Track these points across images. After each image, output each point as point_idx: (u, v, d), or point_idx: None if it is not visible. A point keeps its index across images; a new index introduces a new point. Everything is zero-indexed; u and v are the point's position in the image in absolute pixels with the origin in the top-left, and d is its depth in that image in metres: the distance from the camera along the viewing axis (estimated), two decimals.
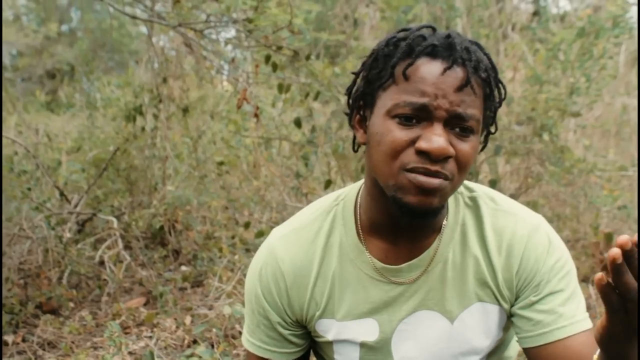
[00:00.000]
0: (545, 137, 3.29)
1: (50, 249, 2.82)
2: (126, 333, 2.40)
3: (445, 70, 0.87)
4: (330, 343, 1.07)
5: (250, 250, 3.20)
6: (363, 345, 1.05)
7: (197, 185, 3.74)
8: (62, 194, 3.39)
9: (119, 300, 2.73)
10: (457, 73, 0.87)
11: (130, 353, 2.14)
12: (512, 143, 3.33)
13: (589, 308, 1.00)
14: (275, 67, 2.84)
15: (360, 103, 0.97)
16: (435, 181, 0.87)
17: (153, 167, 3.76)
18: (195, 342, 2.27)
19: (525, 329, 0.99)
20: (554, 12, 5.27)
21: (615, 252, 0.67)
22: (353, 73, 1.01)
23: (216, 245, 3.29)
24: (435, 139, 0.86)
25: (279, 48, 2.77)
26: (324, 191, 3.15)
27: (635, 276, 0.69)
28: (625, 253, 0.67)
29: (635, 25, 3.42)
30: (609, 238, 3.10)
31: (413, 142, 0.87)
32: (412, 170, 0.87)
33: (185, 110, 3.73)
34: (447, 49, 0.88)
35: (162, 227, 3.40)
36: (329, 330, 1.05)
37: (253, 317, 1.08)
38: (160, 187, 3.66)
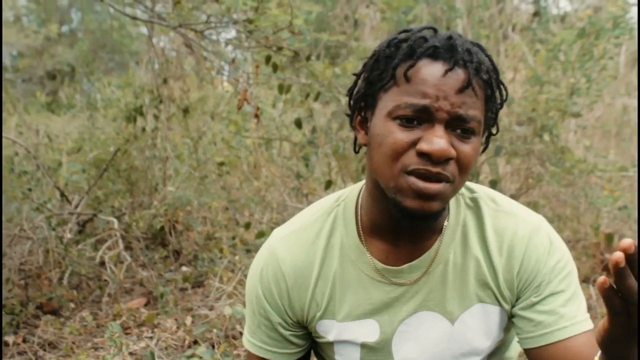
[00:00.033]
0: (546, 137, 3.29)
1: (50, 249, 2.82)
2: (127, 333, 2.40)
3: (446, 71, 0.87)
4: (331, 344, 1.07)
5: (250, 250, 3.21)
6: (364, 346, 1.05)
7: (197, 185, 3.75)
8: (62, 194, 3.40)
9: (119, 301, 2.74)
10: (459, 75, 0.87)
11: (130, 353, 2.14)
12: (513, 144, 3.33)
13: (589, 308, 1.00)
14: (275, 67, 2.84)
15: (362, 104, 0.97)
16: (434, 187, 0.87)
17: (153, 168, 3.76)
18: (195, 342, 2.27)
19: (526, 330, 0.99)
20: (554, 12, 5.27)
21: (618, 255, 0.67)
22: (354, 74, 1.01)
23: (217, 245, 3.29)
24: (437, 140, 0.86)
25: (280, 49, 2.77)
26: (325, 192, 3.15)
27: (637, 279, 0.69)
28: (628, 257, 0.67)
29: (636, 26, 3.42)
30: (609, 239, 3.10)
31: (414, 143, 0.87)
32: (413, 172, 0.87)
33: (186, 111, 3.73)
34: (449, 51, 0.88)
35: (162, 228, 3.40)
36: (329, 331, 1.05)
37: (254, 317, 1.08)
38: (161, 188, 3.66)
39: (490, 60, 0.93)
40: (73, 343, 2.34)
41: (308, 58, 2.86)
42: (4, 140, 3.57)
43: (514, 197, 3.32)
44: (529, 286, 0.99)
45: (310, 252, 1.03)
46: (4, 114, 5.13)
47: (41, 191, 3.48)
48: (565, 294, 0.98)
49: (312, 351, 1.17)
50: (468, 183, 1.05)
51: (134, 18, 3.04)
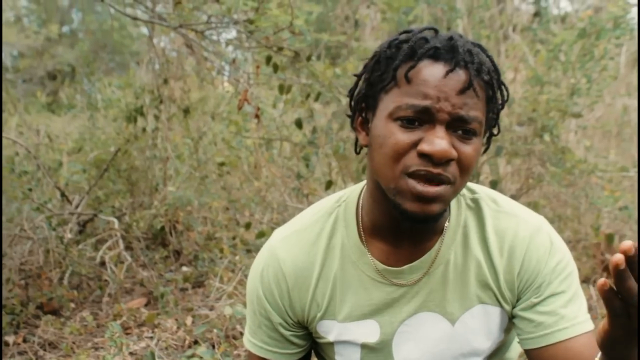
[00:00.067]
0: (546, 138, 3.29)
1: (51, 249, 2.82)
2: (127, 333, 2.40)
3: (447, 72, 0.87)
4: (332, 344, 1.07)
5: (251, 250, 3.21)
6: (364, 347, 1.05)
7: (198, 186, 3.75)
8: (63, 194, 3.40)
9: (119, 301, 2.74)
10: (460, 75, 0.87)
11: (131, 353, 2.14)
12: (513, 144, 3.33)
13: (590, 309, 1.00)
14: (276, 68, 2.84)
15: (362, 105, 0.97)
16: (433, 189, 0.87)
17: (154, 168, 3.76)
18: (196, 342, 2.27)
19: (526, 331, 0.99)
20: (554, 13, 5.27)
21: (618, 257, 0.67)
22: (355, 75, 1.01)
23: (217, 245, 3.29)
24: (438, 141, 0.86)
25: (280, 49, 2.77)
26: (325, 192, 3.15)
27: (637, 281, 0.69)
28: (628, 258, 0.67)
29: (636, 26, 3.42)
30: (610, 239, 3.10)
31: (415, 144, 0.87)
32: (414, 174, 0.87)
33: (186, 111, 3.74)
34: (450, 52, 0.88)
35: (163, 228, 3.40)
36: (330, 331, 1.05)
37: (254, 318, 1.08)
38: (161, 188, 3.66)
39: (492, 61, 0.93)
40: (73, 343, 2.34)
41: (309, 58, 2.87)
42: (4, 141, 3.57)
43: (514, 197, 3.32)
44: (529, 287, 0.99)
45: (311, 252, 1.03)
46: (4, 114, 5.13)
47: (42, 191, 3.48)
48: (566, 294, 0.98)
49: (312, 351, 1.17)
50: (469, 184, 1.05)
51: (135, 18, 3.04)
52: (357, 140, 1.00)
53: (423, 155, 0.86)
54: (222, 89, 4.58)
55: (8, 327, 2.43)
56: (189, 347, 2.25)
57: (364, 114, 0.97)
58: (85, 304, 2.78)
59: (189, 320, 2.43)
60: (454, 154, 0.87)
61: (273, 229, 3.13)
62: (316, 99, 2.99)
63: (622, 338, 0.75)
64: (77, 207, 3.37)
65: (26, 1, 12.85)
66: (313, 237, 1.04)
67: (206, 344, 2.22)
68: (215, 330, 2.27)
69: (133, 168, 3.72)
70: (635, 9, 3.65)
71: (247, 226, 3.40)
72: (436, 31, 0.94)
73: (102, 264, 3.02)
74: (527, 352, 1.01)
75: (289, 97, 3.17)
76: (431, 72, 0.87)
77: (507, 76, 3.66)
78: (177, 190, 3.55)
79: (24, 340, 2.38)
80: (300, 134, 3.46)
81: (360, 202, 1.04)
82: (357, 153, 1.03)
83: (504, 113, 3.26)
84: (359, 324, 1.03)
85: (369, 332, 1.03)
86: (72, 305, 2.71)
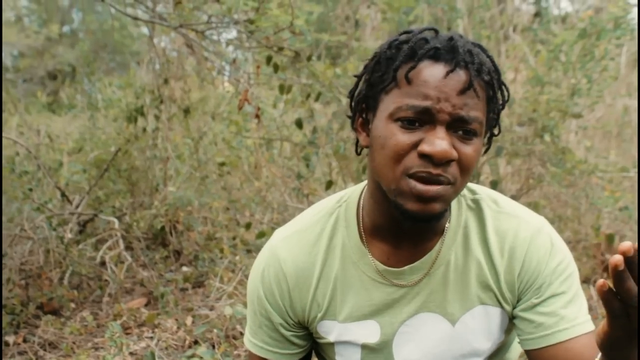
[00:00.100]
0: (547, 138, 3.29)
1: (51, 249, 2.82)
2: (127, 333, 2.40)
3: (448, 73, 0.86)
4: (332, 344, 1.07)
5: (251, 251, 3.21)
6: (364, 347, 1.05)
7: (198, 186, 3.75)
8: (63, 194, 3.40)
9: (120, 301, 2.74)
10: (460, 76, 0.87)
11: (131, 353, 2.14)
12: (514, 144, 3.33)
13: (590, 309, 1.00)
14: (276, 68, 2.84)
15: (363, 106, 0.97)
16: (433, 189, 0.87)
17: (154, 168, 3.76)
18: (196, 342, 2.27)
19: (526, 331, 0.99)
20: (555, 13, 5.26)
21: (617, 258, 0.67)
22: (355, 76, 1.01)
23: (217, 246, 3.29)
24: (438, 142, 0.85)
25: (280, 49, 2.77)
26: (325, 192, 3.15)
27: (636, 282, 0.69)
28: (627, 259, 0.67)
29: (637, 27, 3.42)
30: (610, 239, 3.10)
31: (416, 145, 0.87)
32: (414, 175, 0.87)
33: (187, 111, 3.74)
34: (450, 52, 0.88)
35: (163, 228, 3.40)
36: (330, 331, 1.05)
37: (255, 318, 1.08)
38: (162, 188, 3.66)
39: (492, 61, 0.93)
40: (73, 343, 2.34)
41: (309, 58, 2.87)
42: (5, 141, 3.58)
43: (514, 197, 3.32)
44: (530, 287, 0.99)
45: (311, 253, 1.03)
46: (5, 114, 5.13)
47: (42, 191, 3.48)
48: (566, 295, 0.98)
49: (313, 352, 1.17)
50: (470, 184, 1.05)
51: (135, 18, 3.04)
52: (357, 141, 1.00)
53: (423, 156, 0.86)
54: (222, 89, 4.58)
55: (8, 327, 2.43)
56: (189, 347, 2.25)
57: (364, 115, 0.97)
58: (85, 304, 2.79)
59: (189, 321, 2.43)
60: (455, 154, 0.87)
61: (273, 229, 3.13)
62: (316, 99, 2.99)
63: (622, 339, 0.75)
64: (77, 207, 3.37)
65: (27, 1, 12.85)
66: (314, 238, 1.04)
67: (206, 344, 2.22)
68: (215, 331, 2.27)
69: (133, 168, 3.72)
70: (636, 10, 3.65)
71: (248, 226, 3.40)
72: (436, 31, 0.94)
73: (103, 264, 3.02)
74: (528, 352, 1.01)
75: (289, 97, 3.17)
76: (431, 72, 0.87)
77: (507, 76, 3.66)
78: (177, 190, 3.55)
79: (24, 340, 2.39)
80: (300, 134, 3.46)
81: (361, 202, 1.04)
82: (358, 154, 1.03)
83: (504, 113, 3.26)
84: (359, 324, 1.03)
85: (369, 332, 1.03)
86: (73, 305, 2.71)
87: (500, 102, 0.96)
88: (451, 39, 0.89)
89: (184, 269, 3.21)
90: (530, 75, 3.48)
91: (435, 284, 1.01)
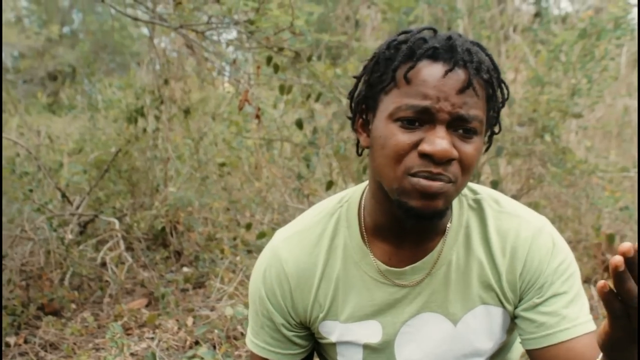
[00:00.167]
0: (547, 138, 3.29)
1: (52, 250, 2.82)
2: (128, 334, 2.40)
3: (446, 72, 0.87)
4: (334, 344, 1.07)
5: (252, 251, 3.21)
6: (366, 347, 1.05)
7: (198, 186, 3.75)
8: (63, 195, 3.40)
9: (120, 302, 2.74)
10: (459, 75, 0.87)
11: (132, 354, 2.14)
12: (514, 144, 3.33)
13: (591, 309, 1.00)
14: (276, 68, 2.84)
15: (363, 107, 0.97)
16: (436, 184, 0.87)
17: (154, 169, 3.76)
18: (197, 343, 2.27)
19: (528, 331, 0.99)
20: (555, 13, 5.26)
21: (618, 259, 0.67)
22: (354, 77, 1.01)
23: (218, 246, 3.29)
24: (438, 141, 0.86)
25: (281, 49, 2.77)
26: (326, 192, 3.15)
27: (637, 283, 0.69)
28: (628, 260, 0.67)
29: (637, 27, 3.41)
30: (610, 239, 3.10)
31: (416, 145, 0.87)
32: (416, 174, 0.87)
33: (187, 112, 3.74)
34: (448, 51, 0.88)
35: (163, 229, 3.40)
36: (332, 332, 1.05)
37: (257, 318, 1.09)
38: (162, 189, 3.66)
39: (491, 59, 0.93)
40: (74, 344, 2.34)
41: (309, 59, 2.87)
42: (5, 141, 3.58)
43: (515, 197, 3.31)
44: (531, 287, 0.99)
45: (313, 253, 1.03)
46: (5, 115, 5.14)
47: (42, 192, 3.49)
48: (568, 295, 0.98)
49: (314, 352, 1.17)
50: (471, 184, 1.05)
51: (135, 19, 3.04)
52: (358, 141, 1.00)
53: (424, 156, 0.86)
54: (222, 90, 4.58)
55: (9, 328, 2.43)
56: (190, 347, 2.25)
57: (364, 116, 0.97)
58: (86, 304, 2.79)
59: (189, 321, 2.43)
60: (455, 153, 0.87)
61: (274, 229, 3.13)
62: (317, 100, 2.99)
63: (623, 340, 0.75)
64: (77, 208, 3.37)
65: (27, 2, 12.86)
66: (315, 238, 1.04)
67: (207, 345, 2.22)
68: (216, 331, 2.27)
69: (134, 169, 3.72)
70: (636, 10, 3.64)
71: (248, 227, 3.40)
72: (435, 31, 0.94)
73: (103, 264, 3.02)
74: (529, 352, 1.01)
75: (289, 98, 3.17)
76: (430, 72, 0.87)
77: (507, 77, 3.66)
78: (177, 190, 3.55)
79: (25, 341, 2.39)
80: (300, 135, 3.46)
81: (363, 202, 1.04)
82: (359, 154, 1.03)
83: (504, 113, 3.26)
84: (361, 324, 1.03)
85: (371, 332, 1.03)
86: (73, 306, 2.71)
87: (500, 100, 0.96)
88: (449, 38, 0.90)
89: (185, 269, 3.21)
90: (530, 75, 3.48)
91: (437, 283, 1.01)
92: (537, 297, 0.99)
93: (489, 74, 0.91)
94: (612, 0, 3.61)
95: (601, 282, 0.70)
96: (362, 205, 1.03)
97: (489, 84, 0.91)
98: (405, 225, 0.96)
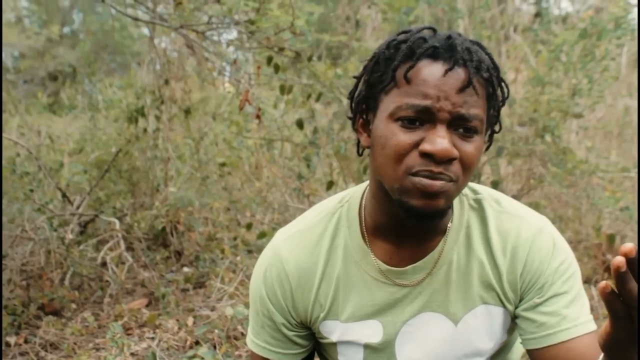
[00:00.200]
0: (548, 138, 3.29)
1: (52, 250, 2.82)
2: (128, 334, 2.40)
3: (446, 71, 0.86)
4: (335, 344, 1.07)
5: (252, 251, 3.21)
6: (367, 347, 1.05)
7: (199, 186, 3.75)
8: (64, 195, 3.40)
9: (121, 302, 2.74)
10: (459, 74, 0.87)
11: (132, 354, 2.14)
12: (515, 144, 3.33)
13: (591, 310, 1.00)
14: (277, 68, 2.84)
15: (363, 107, 0.97)
16: (437, 184, 0.87)
17: (155, 169, 3.76)
18: (197, 343, 2.27)
19: (528, 331, 0.99)
20: (555, 13, 5.26)
21: (619, 260, 0.66)
22: (355, 77, 1.01)
23: (218, 246, 3.29)
24: (439, 141, 0.86)
25: (281, 49, 2.77)
26: (326, 192, 3.15)
27: (638, 283, 0.69)
28: (629, 260, 0.67)
29: (637, 27, 3.41)
30: (611, 239, 3.10)
31: (417, 144, 0.87)
32: (417, 174, 0.87)
33: (187, 112, 3.74)
34: (448, 50, 0.88)
35: (164, 229, 3.40)
36: (333, 331, 1.05)
37: (257, 318, 1.09)
38: (162, 189, 3.66)
39: (491, 58, 0.93)
40: (75, 344, 2.34)
41: (310, 59, 2.87)
42: (5, 142, 3.58)
43: (515, 197, 3.31)
44: (532, 287, 0.99)
45: (314, 253, 1.03)
46: (5, 115, 5.14)
47: (43, 192, 3.48)
48: (569, 295, 0.98)
49: (315, 352, 1.17)
50: (472, 184, 1.05)
51: (136, 19, 3.04)
52: (359, 141, 1.00)
53: (425, 155, 0.86)
54: (223, 90, 4.58)
55: (9, 328, 2.43)
56: (190, 347, 2.25)
57: (364, 116, 0.97)
58: (86, 304, 2.79)
59: (190, 321, 2.43)
60: (456, 152, 0.87)
61: (274, 229, 3.14)
62: (317, 100, 2.99)
63: (624, 340, 0.75)
64: (78, 207, 3.37)
65: (27, 2, 12.86)
66: (316, 238, 1.04)
67: (207, 345, 2.22)
68: (216, 331, 2.27)
69: (134, 169, 3.72)
70: (636, 10, 3.64)
71: (248, 227, 3.40)
72: (434, 30, 0.94)
73: (104, 264, 3.03)
74: (530, 352, 1.01)
75: (290, 98, 3.17)
76: (430, 71, 0.87)
77: (508, 77, 3.66)
78: (178, 190, 3.56)
79: (26, 341, 2.39)
80: (301, 135, 3.46)
81: (363, 202, 1.04)
82: (360, 154, 1.03)
83: (505, 113, 3.26)
84: (361, 324, 1.03)
85: (371, 332, 1.03)
86: (74, 305, 2.71)
87: (500, 99, 0.96)
88: (449, 37, 0.90)
89: (185, 269, 3.21)
90: (531, 75, 3.48)
91: (438, 283, 1.01)
92: (538, 297, 0.98)
93: (489, 73, 0.91)
94: (613, 0, 3.61)
95: (603, 283, 0.70)
96: (363, 205, 1.03)
97: (489, 83, 0.91)
98: (406, 225, 0.95)
